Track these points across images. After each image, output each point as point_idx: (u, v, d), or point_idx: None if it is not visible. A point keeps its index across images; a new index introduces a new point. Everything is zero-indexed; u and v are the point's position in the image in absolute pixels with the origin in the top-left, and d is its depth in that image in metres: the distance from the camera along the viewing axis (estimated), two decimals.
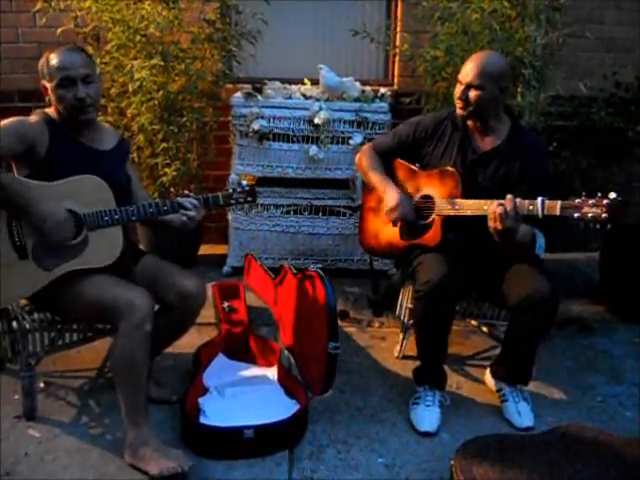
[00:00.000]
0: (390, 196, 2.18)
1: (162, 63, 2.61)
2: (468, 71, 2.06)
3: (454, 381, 2.36)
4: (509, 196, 1.91)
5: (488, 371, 2.32)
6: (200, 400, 2.08)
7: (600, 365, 2.55)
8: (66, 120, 1.87)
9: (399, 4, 3.43)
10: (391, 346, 2.61)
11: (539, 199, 1.86)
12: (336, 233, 3.22)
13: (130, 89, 2.61)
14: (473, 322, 2.67)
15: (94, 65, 1.93)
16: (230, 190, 2.04)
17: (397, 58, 3.45)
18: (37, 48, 3.21)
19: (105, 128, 2.06)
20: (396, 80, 3.53)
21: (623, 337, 2.78)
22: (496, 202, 1.92)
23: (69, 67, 1.81)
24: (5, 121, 1.79)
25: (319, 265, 2.17)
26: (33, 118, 1.85)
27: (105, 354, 2.43)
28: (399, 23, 3.38)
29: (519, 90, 2.66)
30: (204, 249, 3.42)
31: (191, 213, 1.91)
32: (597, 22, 3.28)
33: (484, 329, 2.62)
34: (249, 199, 2.07)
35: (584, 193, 1.78)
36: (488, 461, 1.72)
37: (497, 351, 2.54)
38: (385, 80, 3.59)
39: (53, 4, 2.74)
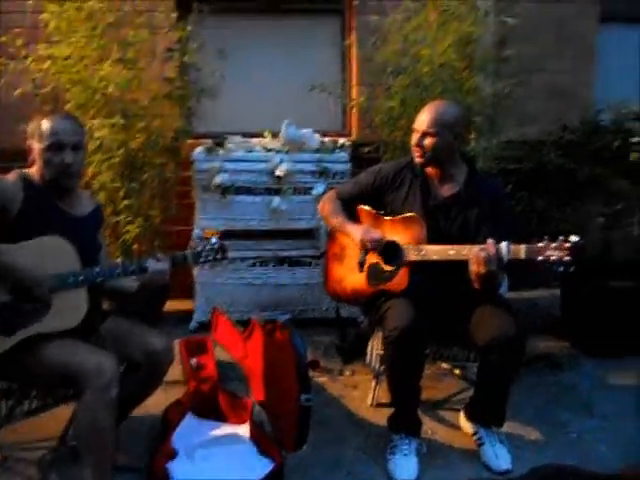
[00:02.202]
0: (356, 229, 2.22)
1: (122, 121, 2.63)
2: (423, 120, 2.14)
3: (429, 427, 2.34)
4: (490, 240, 1.95)
5: (462, 414, 2.31)
6: (168, 465, 1.99)
7: (570, 400, 2.57)
8: (47, 183, 1.86)
9: (353, 59, 3.56)
10: (364, 394, 2.58)
11: (504, 243, 1.91)
12: (302, 283, 3.21)
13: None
14: (444, 365, 2.67)
15: (84, 134, 1.96)
16: (199, 248, 2.02)
17: (354, 110, 3.56)
18: None
19: (82, 194, 2.05)
20: (354, 130, 3.63)
21: (589, 371, 2.82)
22: (477, 247, 1.96)
23: (61, 132, 1.83)
24: None
25: (287, 316, 2.14)
26: (10, 177, 1.85)
27: (67, 421, 2.32)
28: (354, 76, 3.50)
29: (472, 137, 2.77)
30: (169, 305, 3.34)
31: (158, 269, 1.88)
32: (541, 70, 3.47)
33: (456, 371, 2.62)
34: (218, 257, 2.05)
35: (546, 236, 1.84)
36: None
37: (470, 393, 2.56)
38: (343, 131, 3.69)
39: (11, 66, 2.74)
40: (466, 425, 2.28)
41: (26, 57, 2.75)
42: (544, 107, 3.42)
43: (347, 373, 2.79)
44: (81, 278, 1.81)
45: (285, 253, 3.17)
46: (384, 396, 2.48)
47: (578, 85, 3.58)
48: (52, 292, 1.77)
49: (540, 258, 1.86)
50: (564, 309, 3.11)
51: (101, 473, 1.73)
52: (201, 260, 2.02)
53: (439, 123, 2.11)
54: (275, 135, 3.24)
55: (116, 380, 1.71)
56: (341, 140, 3.28)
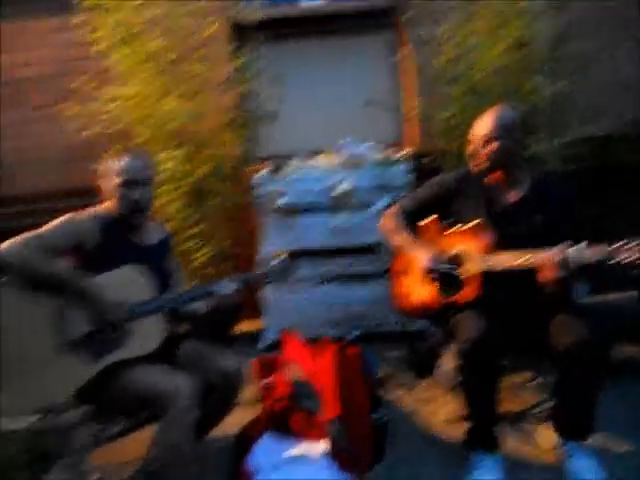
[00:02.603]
0: (421, 255, 2.18)
1: (184, 152, 2.74)
2: (482, 126, 2.11)
3: (509, 442, 2.25)
4: (561, 245, 1.89)
5: (545, 427, 2.22)
6: None
7: None
8: (119, 218, 1.99)
9: (408, 70, 3.55)
10: (438, 409, 2.53)
11: (571, 248, 1.85)
12: (369, 299, 3.20)
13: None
14: (522, 376, 2.57)
15: (154, 168, 2.10)
16: (265, 268, 2.08)
17: (412, 121, 3.54)
18: (66, 152, 3.41)
19: (151, 224, 2.15)
20: (412, 142, 3.60)
21: None
22: (547, 252, 1.91)
23: (132, 171, 1.97)
24: (61, 218, 1.92)
25: (356, 332, 2.15)
26: (85, 214, 1.98)
27: (144, 446, 2.40)
28: (409, 88, 3.49)
29: (534, 139, 2.69)
30: (241, 325, 3.43)
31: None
32: (597, 62, 3.32)
33: (534, 383, 2.52)
34: (285, 274, 2.10)
35: (622, 239, 1.76)
36: None
37: (550, 404, 2.46)
38: (401, 143, 3.67)
39: (79, 109, 2.91)
40: (549, 438, 2.19)
41: (95, 100, 2.92)
42: (608, 102, 3.26)
43: (420, 387, 2.75)
44: (156, 305, 1.90)
45: (351, 270, 3.17)
46: (460, 410, 2.43)
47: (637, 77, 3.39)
48: (129, 320, 1.87)
49: (612, 261, 1.77)
50: None
51: None
52: (269, 279, 2.08)
53: (498, 128, 2.07)
54: (334, 153, 3.27)
55: (195, 402, 1.77)
56: (401, 152, 3.26)
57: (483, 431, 2.08)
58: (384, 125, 3.70)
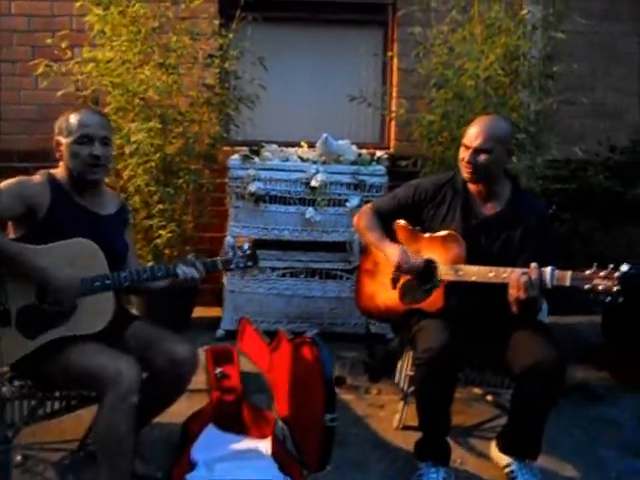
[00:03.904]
0: (393, 252, 2.12)
1: (160, 126, 2.63)
2: (475, 135, 2.03)
3: (458, 455, 2.23)
4: (533, 265, 1.86)
5: (494, 444, 2.20)
6: (187, 477, 1.95)
7: (610, 437, 2.42)
8: (73, 180, 1.85)
9: (394, 71, 3.51)
10: (390, 415, 2.49)
11: (548, 269, 1.82)
12: (332, 296, 3.15)
13: (127, 151, 2.61)
14: (476, 390, 2.56)
15: (112, 130, 1.95)
16: (230, 254, 1.98)
17: (393, 122, 3.50)
18: (38, 110, 3.26)
19: (107, 193, 2.03)
20: (392, 143, 3.57)
21: (631, 405, 2.67)
22: (519, 271, 1.87)
23: (90, 125, 1.82)
24: (6, 182, 1.76)
25: (315, 330, 2.08)
26: (36, 178, 1.83)
27: (88, 424, 2.30)
28: (394, 89, 3.45)
29: (514, 154, 2.67)
30: (197, 311, 3.33)
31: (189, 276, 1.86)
32: (588, 89, 3.35)
33: (488, 397, 2.51)
34: (249, 263, 2.00)
35: (595, 264, 1.74)
36: None
37: (501, 420, 2.44)
38: (381, 143, 3.63)
39: (55, 68, 2.78)
40: (498, 456, 2.17)
41: (70, 59, 2.78)
42: (589, 126, 3.29)
43: (373, 392, 2.71)
44: (108, 282, 1.79)
45: (316, 265, 3.12)
46: (411, 419, 2.39)
47: (625, 105, 3.44)
48: (79, 296, 1.76)
49: (587, 287, 1.75)
50: (605, 337, 2.96)
51: None
52: (232, 267, 1.98)
53: (492, 139, 2.02)
54: (312, 145, 3.21)
55: (136, 387, 1.68)
56: (379, 153, 3.22)
57: (435, 442, 2.05)
58: (365, 123, 3.64)
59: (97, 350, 1.74)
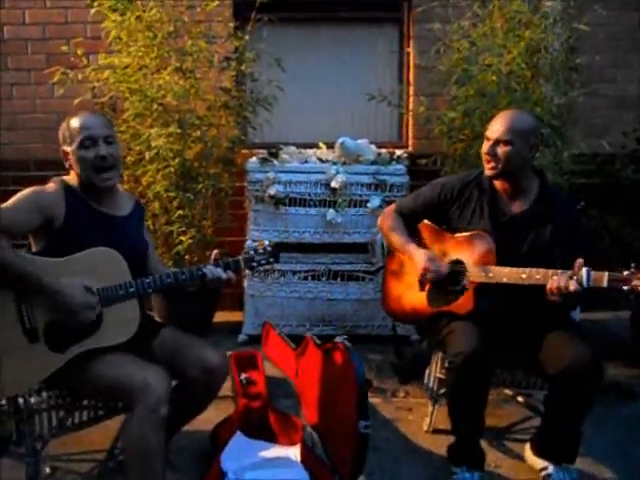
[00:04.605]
0: (419, 256, 2.07)
1: (179, 131, 2.61)
2: (497, 127, 2.01)
3: (491, 458, 2.17)
4: (579, 261, 1.81)
5: (528, 447, 2.15)
6: None
7: None
8: (85, 185, 1.82)
9: (411, 68, 3.46)
10: (419, 419, 2.45)
11: (584, 270, 1.77)
12: (355, 298, 3.12)
13: (147, 157, 2.59)
14: (506, 391, 2.51)
15: (114, 128, 1.91)
16: (251, 252, 1.94)
17: (411, 121, 3.46)
18: (55, 118, 3.26)
19: (120, 193, 1.99)
20: (410, 142, 3.52)
21: None
22: (554, 273, 1.83)
23: (90, 127, 1.79)
24: (20, 194, 1.73)
25: (345, 336, 2.04)
26: (50, 187, 1.80)
27: (116, 434, 2.29)
28: (412, 87, 3.40)
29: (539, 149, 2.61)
30: (218, 316, 3.31)
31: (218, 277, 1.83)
32: (610, 80, 3.28)
33: (519, 399, 2.46)
34: (271, 260, 1.96)
35: (633, 264, 1.68)
36: None
37: (534, 422, 2.40)
38: (399, 142, 3.58)
39: (71, 76, 2.77)
40: (533, 459, 2.11)
41: (86, 66, 2.77)
42: (612, 118, 3.22)
43: (401, 395, 2.66)
44: (132, 290, 1.76)
45: (338, 267, 3.08)
46: (441, 422, 2.35)
47: None
48: (104, 306, 1.73)
49: (625, 287, 1.70)
50: (634, 332, 2.89)
51: None
52: (254, 264, 1.94)
53: (514, 131, 1.98)
54: (330, 146, 3.17)
55: (166, 398, 1.65)
56: (398, 152, 3.18)
57: (468, 447, 2.01)
58: (382, 122, 3.60)
59: (123, 361, 1.71)
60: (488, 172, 2.06)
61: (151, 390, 1.62)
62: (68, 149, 1.81)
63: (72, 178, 1.85)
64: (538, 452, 2.07)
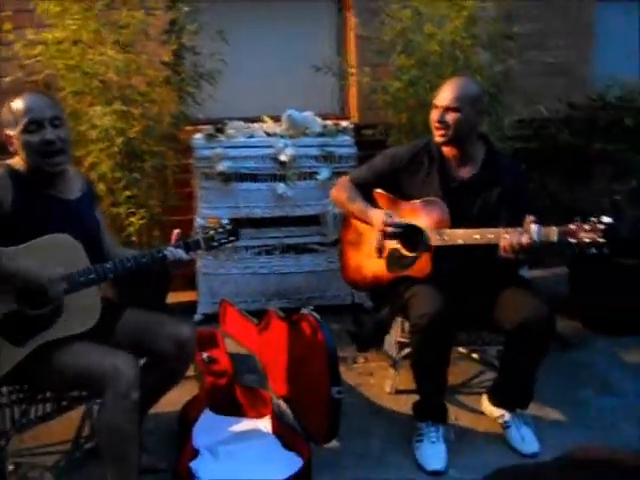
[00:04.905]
0: (376, 214, 2.13)
1: (124, 108, 2.50)
2: (444, 95, 2.08)
3: (451, 412, 2.29)
4: (530, 218, 1.89)
5: (485, 398, 2.29)
6: (192, 464, 1.93)
7: (587, 379, 2.57)
8: (33, 170, 1.72)
9: (351, 39, 3.47)
10: (381, 382, 2.54)
11: (534, 226, 1.86)
12: (308, 270, 3.14)
13: (93, 137, 2.48)
14: (461, 349, 2.64)
15: (61, 108, 1.80)
16: (211, 232, 1.92)
17: (354, 92, 3.48)
18: None
19: (70, 175, 1.88)
20: (354, 113, 3.54)
21: (602, 349, 2.83)
22: (505, 231, 1.91)
23: (35, 109, 1.68)
24: None
25: (311, 307, 2.07)
26: None
27: (78, 424, 2.24)
28: (353, 57, 3.41)
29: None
30: (170, 297, 3.25)
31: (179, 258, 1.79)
32: (539, 48, 3.42)
33: (474, 355, 2.60)
34: (231, 238, 1.94)
35: (577, 218, 1.80)
36: None
37: (487, 376, 2.55)
38: (341, 114, 3.60)
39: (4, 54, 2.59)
40: (490, 409, 2.26)
41: (14, 42, 2.59)
42: (545, 85, 3.37)
43: (361, 361, 2.74)
44: (92, 276, 1.69)
45: (290, 240, 3.09)
46: (402, 383, 2.46)
47: (577, 62, 3.54)
48: (67, 294, 1.67)
49: (573, 240, 1.81)
50: (572, 288, 3.10)
51: (126, 478, 1.65)
52: (214, 244, 1.91)
53: (461, 98, 2.05)
54: (276, 119, 3.15)
55: (136, 382, 1.62)
56: (343, 123, 3.20)
57: (433, 403, 2.11)
58: (325, 94, 3.59)
59: (90, 349, 1.67)
60: (438, 139, 2.12)
61: (121, 376, 1.59)
62: (11, 133, 1.70)
63: (18, 162, 1.74)
64: (495, 402, 2.21)
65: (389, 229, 2.10)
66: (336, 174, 3.00)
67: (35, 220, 1.68)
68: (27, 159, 1.71)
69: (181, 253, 1.79)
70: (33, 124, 1.67)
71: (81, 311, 1.71)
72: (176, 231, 1.85)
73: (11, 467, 2.00)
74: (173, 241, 1.84)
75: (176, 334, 1.82)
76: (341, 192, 2.30)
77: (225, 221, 1.94)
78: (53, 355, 1.66)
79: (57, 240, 1.70)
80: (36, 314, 1.65)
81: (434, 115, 2.11)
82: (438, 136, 2.12)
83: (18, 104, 1.69)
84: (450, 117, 2.06)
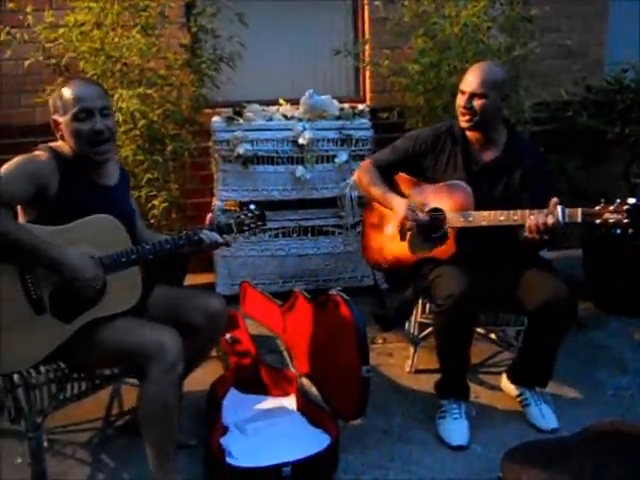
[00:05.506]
0: (399, 205, 2.16)
1: (149, 91, 2.51)
2: (471, 80, 2.08)
3: (472, 391, 2.35)
4: (554, 200, 1.91)
5: (504, 377, 2.34)
6: (222, 441, 1.98)
7: (603, 359, 2.63)
8: (79, 156, 1.74)
9: (366, 21, 3.46)
10: (400, 362, 2.60)
11: (559, 207, 1.89)
12: (325, 252, 3.18)
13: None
14: (479, 330, 2.68)
15: (109, 98, 1.83)
16: (241, 216, 1.96)
17: (368, 74, 3.48)
18: (4, 82, 3.02)
19: (111, 162, 1.91)
20: (368, 96, 3.55)
21: (616, 330, 2.88)
22: (531, 212, 1.94)
23: (86, 98, 1.70)
24: (10, 163, 1.65)
25: (338, 288, 2.11)
26: (42, 155, 1.71)
27: (105, 403, 2.30)
28: (369, 40, 3.41)
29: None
30: (188, 279, 3.29)
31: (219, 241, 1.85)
32: (555, 30, 3.42)
33: (492, 336, 2.64)
34: (259, 223, 2.00)
35: (603, 200, 1.83)
36: (536, 470, 1.72)
37: (505, 355, 2.60)
38: (356, 97, 3.61)
39: (18, 36, 2.59)
40: (509, 387, 2.31)
41: (34, 25, 2.59)
42: (561, 68, 3.38)
43: (379, 341, 2.80)
44: (133, 257, 1.74)
45: (308, 223, 3.12)
46: (422, 362, 2.51)
47: (587, 45, 3.54)
48: (106, 274, 1.71)
49: (598, 221, 1.85)
50: (586, 270, 3.14)
51: (166, 452, 1.71)
52: (245, 228, 1.96)
53: (488, 84, 2.06)
54: (292, 103, 3.16)
55: (180, 356, 1.67)
56: (360, 106, 3.21)
57: (456, 381, 2.16)
58: (340, 77, 3.60)
59: (134, 325, 1.71)
60: (464, 124, 2.14)
61: (167, 350, 1.63)
62: (60, 119, 1.73)
63: (62, 146, 1.77)
64: (515, 381, 2.26)
65: (409, 223, 2.12)
66: (354, 157, 3.03)
67: (78, 205, 1.71)
68: (75, 146, 1.74)
69: (216, 236, 1.84)
70: (83, 112, 1.70)
71: (124, 290, 1.76)
72: (210, 215, 1.89)
73: (45, 444, 2.05)
74: (207, 224, 1.89)
75: (207, 306, 1.87)
76: (364, 176, 2.32)
77: (252, 206, 1.99)
78: (98, 332, 1.70)
79: (101, 221, 1.74)
80: (83, 292, 1.68)
81: (460, 100, 2.12)
82: (464, 121, 2.13)
83: (68, 92, 1.71)
84: (477, 103, 2.07)
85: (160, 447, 1.70)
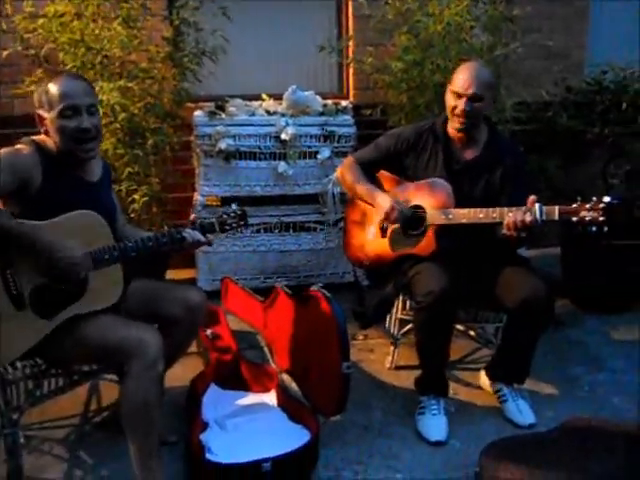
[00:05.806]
0: (383, 201, 2.16)
1: (130, 84, 2.48)
2: (468, 82, 2.06)
3: (450, 387, 2.38)
4: (532, 197, 1.93)
5: (483, 373, 2.37)
6: (202, 437, 1.97)
7: (579, 356, 2.67)
8: (63, 152, 1.72)
9: (350, 18, 3.46)
10: (381, 358, 2.61)
11: (537, 205, 1.92)
12: (307, 249, 3.19)
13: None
14: (458, 327, 2.71)
15: (96, 95, 1.80)
16: (224, 216, 1.95)
17: (351, 71, 3.48)
18: None
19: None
20: (352, 93, 3.55)
21: (592, 327, 2.93)
22: (509, 210, 1.96)
23: (73, 95, 1.67)
24: None
25: (320, 284, 2.12)
26: (25, 149, 1.68)
27: (83, 399, 2.27)
28: (352, 37, 3.41)
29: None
30: (169, 274, 3.27)
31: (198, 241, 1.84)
32: (536, 31, 3.45)
33: (472, 332, 2.67)
34: (241, 223, 1.99)
35: (579, 198, 1.85)
36: (514, 464, 1.74)
37: (484, 352, 2.63)
38: (339, 93, 3.61)
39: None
40: (487, 384, 2.34)
41: (11, 15, 2.54)
42: (541, 68, 3.41)
43: (360, 338, 2.81)
44: (116, 254, 1.72)
45: (290, 219, 3.12)
46: (402, 359, 2.53)
47: (572, 47, 3.58)
48: (89, 271, 1.69)
49: (574, 219, 1.88)
50: (564, 268, 3.19)
51: (148, 449, 1.69)
52: (227, 228, 1.96)
53: (484, 86, 2.07)
54: (275, 98, 3.15)
55: (161, 354, 1.66)
56: (343, 103, 3.21)
57: (435, 377, 2.18)
58: (325, 74, 3.60)
59: (115, 322, 1.70)
60: (459, 126, 2.12)
61: (148, 347, 1.62)
62: (46, 115, 1.69)
63: (46, 140, 1.74)
64: (493, 377, 2.29)
65: (392, 218, 2.13)
66: (336, 153, 3.03)
67: (61, 200, 1.69)
68: (60, 143, 1.71)
69: (199, 235, 1.84)
70: (70, 110, 1.67)
71: (105, 286, 1.74)
72: (193, 215, 1.88)
73: (22, 440, 2.02)
74: (190, 223, 1.88)
75: (186, 298, 1.87)
76: (347, 173, 2.32)
77: (234, 206, 2.00)
78: (79, 328, 1.69)
79: (83, 216, 1.72)
80: (63, 288, 1.67)
81: (457, 103, 2.09)
82: (460, 124, 2.12)
83: (55, 87, 1.68)
84: (476, 106, 2.07)
85: (142, 444, 1.69)
